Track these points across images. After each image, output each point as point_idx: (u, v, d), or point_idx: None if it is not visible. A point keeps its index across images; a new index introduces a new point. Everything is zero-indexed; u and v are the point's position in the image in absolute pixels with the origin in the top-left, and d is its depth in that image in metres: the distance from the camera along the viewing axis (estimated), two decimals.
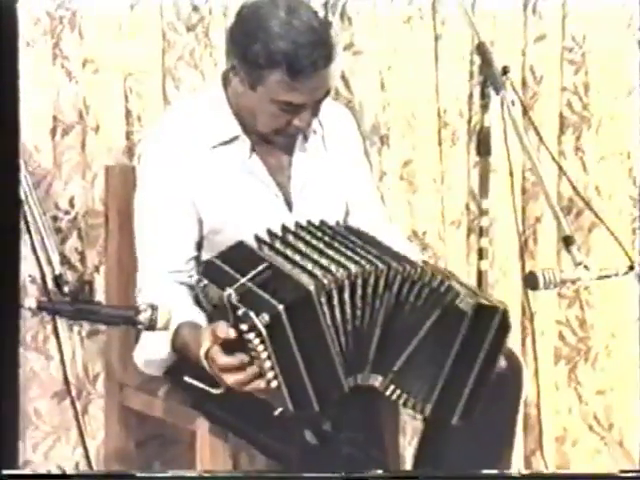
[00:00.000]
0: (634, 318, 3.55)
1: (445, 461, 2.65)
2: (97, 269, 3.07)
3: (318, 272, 2.39)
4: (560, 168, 3.20)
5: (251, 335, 2.32)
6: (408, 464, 2.92)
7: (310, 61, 2.49)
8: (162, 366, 2.65)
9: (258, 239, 2.52)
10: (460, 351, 2.45)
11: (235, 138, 2.68)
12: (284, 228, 2.55)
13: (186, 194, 2.65)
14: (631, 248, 3.02)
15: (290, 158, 2.73)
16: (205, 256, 2.67)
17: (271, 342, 2.32)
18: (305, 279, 2.38)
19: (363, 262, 2.43)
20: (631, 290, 3.47)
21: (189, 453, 2.73)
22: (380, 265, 2.42)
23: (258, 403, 2.45)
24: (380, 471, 2.46)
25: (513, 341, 3.27)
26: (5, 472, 2.15)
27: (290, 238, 2.53)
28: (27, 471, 2.74)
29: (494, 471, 2.56)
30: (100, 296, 2.95)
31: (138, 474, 2.42)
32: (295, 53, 2.48)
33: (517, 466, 3.27)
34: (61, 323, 2.86)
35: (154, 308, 2.31)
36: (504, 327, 2.48)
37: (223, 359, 2.37)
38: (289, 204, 2.72)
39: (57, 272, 2.32)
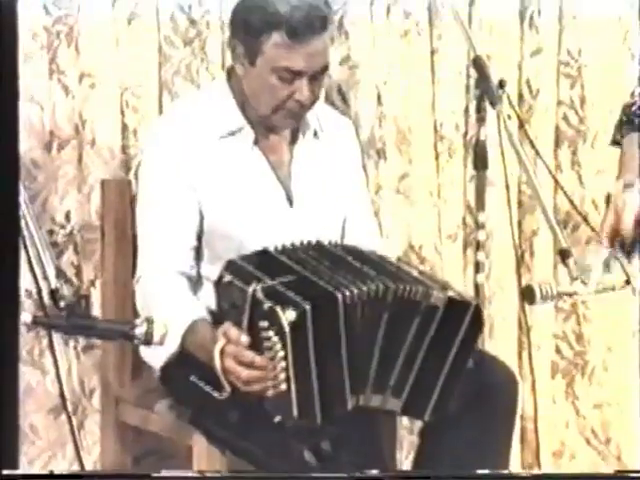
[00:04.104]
0: (631, 332, 3.55)
1: (440, 474, 2.65)
2: (93, 283, 3.07)
3: (338, 285, 2.43)
4: (556, 181, 3.20)
5: (271, 332, 2.36)
6: None
7: (307, 22, 2.57)
8: (162, 358, 2.63)
9: (277, 249, 2.55)
10: (431, 346, 2.48)
11: (239, 130, 2.71)
12: (293, 245, 2.58)
13: (188, 185, 2.68)
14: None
15: (291, 155, 2.77)
16: (207, 250, 2.70)
17: (291, 341, 2.35)
18: (331, 287, 2.41)
19: (368, 282, 2.46)
20: (628, 304, 3.46)
21: (186, 469, 2.72)
22: (381, 286, 2.45)
23: (256, 419, 2.47)
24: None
25: (509, 355, 3.30)
26: (5, 472, 2.13)
27: (300, 253, 2.56)
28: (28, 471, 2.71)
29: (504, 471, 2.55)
30: (96, 310, 2.95)
31: (154, 474, 2.41)
32: (292, 14, 2.56)
33: None
34: (57, 338, 2.83)
35: (150, 322, 2.30)
36: (476, 323, 2.50)
37: (244, 353, 2.40)
38: (290, 199, 2.75)
39: (53, 286, 2.31)
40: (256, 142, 2.73)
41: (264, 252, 2.56)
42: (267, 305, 2.36)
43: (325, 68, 2.67)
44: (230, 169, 2.71)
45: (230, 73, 2.74)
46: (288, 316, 2.34)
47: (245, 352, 2.42)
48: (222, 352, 2.43)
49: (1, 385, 2.09)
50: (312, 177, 2.78)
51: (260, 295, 2.38)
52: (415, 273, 2.57)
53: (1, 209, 2.10)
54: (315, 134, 2.78)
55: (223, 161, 2.71)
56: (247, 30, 2.61)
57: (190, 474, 2.56)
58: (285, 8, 2.56)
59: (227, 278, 2.50)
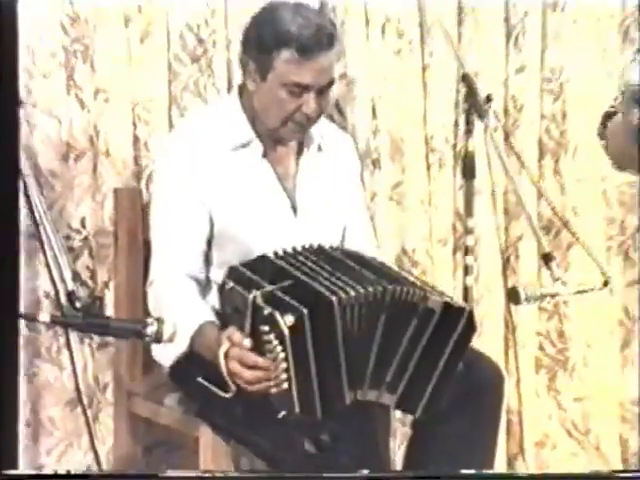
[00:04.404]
0: (609, 330, 3.53)
1: (431, 463, 2.63)
2: (107, 285, 3.04)
3: (335, 288, 2.42)
4: (539, 190, 3.18)
5: (272, 336, 2.35)
6: (398, 465, 2.90)
7: (316, 39, 2.57)
8: (171, 357, 2.62)
9: (277, 254, 2.54)
10: (427, 347, 2.47)
11: (248, 143, 2.70)
12: (295, 249, 2.57)
13: (199, 194, 2.66)
14: (606, 265, 3.01)
15: (297, 169, 2.76)
16: (216, 254, 2.68)
17: (290, 344, 2.34)
18: (326, 292, 2.40)
19: (365, 284, 2.45)
20: (606, 304, 3.46)
21: (193, 458, 2.71)
22: (378, 288, 2.45)
23: (259, 412, 2.45)
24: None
25: (496, 352, 3.28)
26: (5, 472, 2.10)
27: (301, 258, 2.55)
28: (27, 471, 2.69)
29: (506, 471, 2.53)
30: (110, 311, 2.94)
31: (160, 474, 2.39)
32: (302, 32, 2.56)
33: (499, 468, 3.27)
34: (73, 336, 2.86)
35: (160, 322, 2.30)
36: (470, 327, 2.49)
37: (248, 355, 2.39)
38: (294, 208, 2.73)
39: (70, 288, 2.31)
40: (265, 155, 2.72)
41: (264, 258, 2.54)
42: (267, 311, 2.35)
43: (331, 83, 2.66)
44: (240, 179, 2.69)
45: (242, 90, 2.73)
46: (287, 321, 2.33)
47: (248, 354, 2.40)
48: (226, 355, 2.42)
49: (1, 386, 2.07)
50: (315, 188, 2.76)
51: (260, 301, 2.37)
52: (412, 278, 2.56)
53: (1, 209, 2.07)
54: (319, 148, 2.78)
55: (233, 172, 2.69)
56: (259, 47, 2.61)
57: (196, 474, 2.53)
58: (295, 27, 2.57)
59: (229, 285, 2.50)
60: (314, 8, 2.78)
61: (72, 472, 2.47)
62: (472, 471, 2.51)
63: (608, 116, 2.46)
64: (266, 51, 2.59)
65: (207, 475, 2.53)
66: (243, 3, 3.09)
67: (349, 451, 2.48)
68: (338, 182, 2.81)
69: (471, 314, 2.48)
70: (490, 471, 2.54)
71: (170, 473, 2.50)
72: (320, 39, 2.58)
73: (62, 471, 3.02)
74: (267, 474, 2.56)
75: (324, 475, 2.34)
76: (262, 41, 2.60)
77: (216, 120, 2.72)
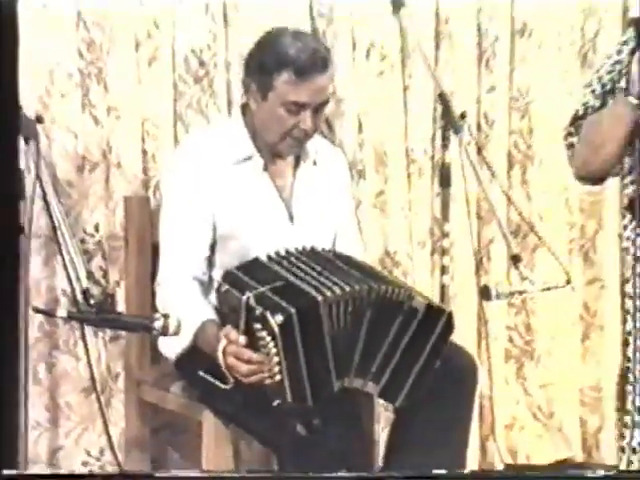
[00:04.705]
0: (571, 323, 3.54)
1: (411, 444, 2.63)
2: (118, 284, 3.04)
3: (322, 288, 2.41)
4: (509, 198, 3.19)
5: (264, 333, 2.34)
6: (381, 447, 2.89)
7: (312, 62, 2.57)
8: (176, 351, 2.62)
9: (269, 257, 2.54)
10: (409, 343, 2.47)
11: (250, 157, 2.69)
12: (287, 251, 2.56)
13: (204, 203, 2.65)
14: (568, 265, 3.01)
15: (293, 181, 2.75)
16: (219, 258, 2.68)
17: (281, 340, 2.33)
18: (313, 292, 2.39)
19: (352, 283, 2.45)
20: (568, 300, 3.46)
21: (196, 440, 2.71)
22: (364, 286, 2.45)
23: (256, 399, 2.44)
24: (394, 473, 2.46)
25: (470, 344, 3.28)
26: (5, 472, 2.03)
27: (293, 259, 2.54)
28: (32, 470, 2.63)
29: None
30: (121, 307, 2.94)
31: (157, 474, 2.36)
32: (300, 56, 2.56)
33: (473, 448, 3.27)
34: (88, 330, 2.83)
35: (166, 317, 2.29)
36: (448, 327, 2.49)
37: (243, 351, 2.39)
38: (291, 217, 2.73)
39: (84, 287, 2.30)
40: (265, 168, 2.71)
41: (257, 261, 2.54)
42: (259, 311, 2.35)
43: (326, 102, 2.66)
44: (241, 190, 2.69)
45: (244, 109, 2.73)
46: (277, 320, 2.32)
47: (243, 350, 2.40)
48: (224, 351, 2.42)
49: (1, 386, 2.02)
50: (310, 198, 2.76)
51: (252, 302, 2.37)
52: (398, 280, 2.58)
53: (1, 211, 2.03)
54: (314, 163, 2.77)
55: (236, 183, 2.68)
56: (261, 69, 2.61)
57: (193, 474, 2.52)
58: (293, 51, 2.57)
59: (224, 287, 2.49)
60: (310, 34, 2.78)
61: (73, 472, 2.39)
62: (467, 470, 2.51)
63: (578, 117, 2.46)
64: (267, 73, 2.59)
65: (207, 475, 2.51)
66: (241, 30, 3.11)
67: (337, 433, 2.47)
68: (330, 193, 2.81)
69: (450, 315, 2.49)
70: (491, 470, 2.52)
71: (170, 473, 2.48)
72: (316, 62, 2.58)
73: (80, 451, 3.03)
74: (267, 474, 2.54)
75: (324, 475, 2.32)
76: (264, 64, 2.60)
77: (221, 137, 2.72)
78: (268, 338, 2.34)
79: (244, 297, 2.38)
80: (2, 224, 2.07)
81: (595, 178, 2.44)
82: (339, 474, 2.32)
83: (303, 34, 2.68)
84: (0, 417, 2.03)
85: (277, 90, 2.59)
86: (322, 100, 2.64)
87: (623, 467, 2.49)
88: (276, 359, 2.35)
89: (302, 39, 2.61)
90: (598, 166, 2.38)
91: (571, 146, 2.45)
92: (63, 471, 2.54)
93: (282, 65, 2.57)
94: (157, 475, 2.33)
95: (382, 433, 2.87)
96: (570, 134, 2.44)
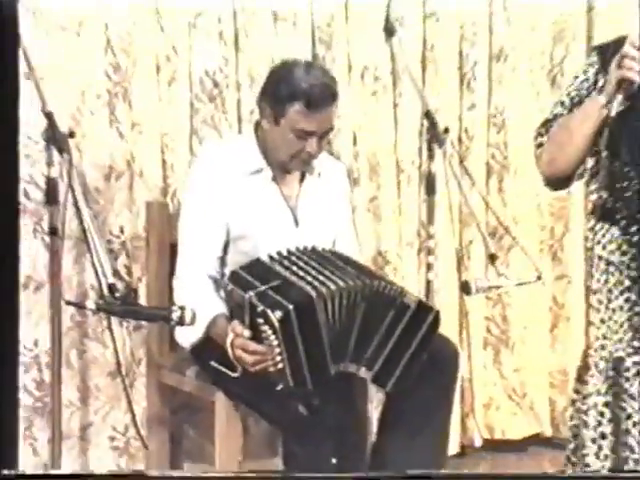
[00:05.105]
0: (542, 314, 3.51)
1: (401, 421, 2.61)
2: (140, 280, 3.01)
3: (317, 284, 2.40)
4: (487, 204, 3.18)
5: (266, 327, 2.34)
6: (374, 424, 2.87)
7: (322, 96, 2.55)
8: (190, 341, 2.61)
9: (271, 257, 2.52)
10: (400, 336, 2.45)
11: (261, 170, 2.66)
12: (289, 251, 2.54)
13: (219, 209, 2.63)
14: (538, 263, 3.00)
15: (299, 190, 2.72)
16: (231, 257, 2.65)
17: (281, 333, 2.33)
18: (309, 289, 2.38)
19: (347, 279, 2.44)
20: (539, 294, 3.44)
21: (210, 418, 2.69)
22: (358, 282, 2.44)
23: (262, 383, 2.43)
24: (391, 473, 2.44)
25: (452, 333, 3.26)
26: (5, 472, 1.95)
27: (294, 258, 2.53)
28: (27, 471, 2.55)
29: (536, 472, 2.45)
30: (142, 300, 2.92)
31: (150, 473, 2.31)
32: (311, 90, 2.54)
33: (455, 424, 3.25)
34: (114, 320, 2.80)
35: (183, 309, 2.29)
36: (436, 323, 2.49)
37: (248, 344, 2.38)
38: (296, 221, 2.71)
39: (110, 282, 2.29)
40: (274, 179, 2.68)
41: (259, 261, 2.52)
42: (260, 308, 2.34)
43: (331, 129, 2.64)
44: (252, 198, 2.66)
45: (257, 126, 2.70)
46: (276, 316, 2.32)
47: (248, 343, 2.39)
48: (232, 344, 2.41)
49: (1, 386, 1.95)
50: (313, 206, 2.73)
51: (254, 300, 2.36)
52: (392, 281, 2.57)
53: (1, 212, 1.97)
54: (319, 175, 2.75)
55: (248, 192, 2.66)
56: (276, 99, 2.58)
57: (186, 474, 2.48)
58: (305, 84, 2.54)
59: (230, 287, 2.48)
60: (321, 67, 2.76)
61: (72, 472, 2.34)
62: (465, 471, 2.48)
63: (548, 121, 2.44)
64: (281, 102, 2.57)
65: (207, 475, 2.49)
66: (250, 54, 3.09)
67: (334, 412, 2.46)
68: (331, 201, 2.78)
69: (438, 313, 2.48)
70: (490, 472, 2.49)
71: (165, 473, 2.44)
72: (325, 96, 2.56)
73: (107, 427, 3.01)
74: (267, 474, 2.52)
75: (324, 475, 2.30)
76: (278, 93, 2.57)
77: (236, 151, 2.69)
78: (270, 331, 2.34)
79: (247, 295, 2.37)
80: (2, 224, 1.99)
81: (560, 178, 2.40)
82: (339, 474, 2.29)
83: (315, 67, 2.67)
84: (0, 417, 1.95)
85: (289, 118, 2.56)
86: (328, 128, 2.62)
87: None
88: (278, 350, 2.35)
89: (314, 73, 2.59)
90: (563, 164, 2.34)
91: (540, 145, 2.42)
92: (64, 471, 2.47)
93: (295, 97, 2.54)
94: (149, 475, 2.28)
95: (375, 411, 2.84)
96: (540, 134, 2.41)
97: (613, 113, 2.19)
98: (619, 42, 2.30)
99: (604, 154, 2.21)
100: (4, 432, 1.95)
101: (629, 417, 2.30)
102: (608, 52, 2.33)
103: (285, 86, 2.56)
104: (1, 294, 1.96)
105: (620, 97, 2.18)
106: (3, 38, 1.95)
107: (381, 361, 2.46)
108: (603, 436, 2.33)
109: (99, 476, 2.31)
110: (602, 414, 2.33)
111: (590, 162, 2.38)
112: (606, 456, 2.32)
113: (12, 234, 1.99)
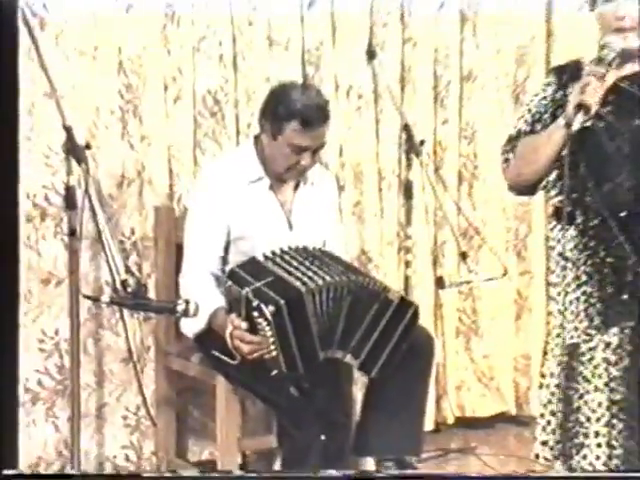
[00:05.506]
0: (507, 307, 3.48)
1: (383, 402, 2.58)
2: (149, 276, 2.97)
3: (307, 280, 2.39)
4: (458, 208, 3.16)
5: (261, 320, 2.33)
6: (358, 405, 2.84)
7: (316, 115, 2.53)
8: (193, 331, 2.58)
9: (266, 256, 2.50)
10: (384, 327, 2.44)
11: (259, 179, 2.64)
12: (282, 250, 2.52)
13: (221, 213, 2.60)
14: (505, 260, 2.99)
15: (293, 197, 2.69)
16: (231, 257, 2.63)
17: (274, 325, 2.32)
18: (299, 284, 2.37)
19: (334, 275, 2.43)
20: (505, 288, 3.42)
21: (211, 400, 2.66)
22: (344, 278, 2.43)
23: (258, 369, 2.41)
24: (390, 472, 2.41)
25: (428, 323, 3.24)
26: (5, 472, 1.87)
27: (286, 257, 2.51)
28: (38, 470, 2.49)
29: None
30: (151, 294, 2.88)
31: (145, 474, 2.25)
32: (307, 110, 2.52)
33: (430, 404, 3.22)
34: (126, 312, 2.81)
35: (187, 302, 2.27)
36: (415, 317, 2.48)
37: (245, 335, 2.37)
38: (290, 225, 2.68)
39: (123, 278, 2.25)
40: (271, 187, 2.66)
41: (254, 260, 2.51)
42: (255, 303, 2.34)
43: (323, 144, 2.62)
44: (251, 204, 2.64)
45: (256, 140, 2.67)
46: (269, 310, 2.32)
47: (245, 334, 2.38)
48: (231, 335, 2.40)
49: (1, 386, 1.89)
50: (306, 211, 2.70)
51: (250, 295, 2.35)
52: (376, 278, 2.55)
53: (2, 213, 1.91)
54: (312, 184, 2.72)
55: (247, 199, 2.63)
56: (274, 116, 2.56)
57: (184, 474, 2.44)
58: (301, 105, 2.52)
59: (228, 283, 2.46)
60: (316, 88, 2.74)
61: (73, 472, 2.31)
62: (464, 472, 2.45)
63: (512, 139, 2.42)
64: (279, 120, 2.55)
65: (207, 475, 2.45)
66: (248, 75, 3.06)
67: (323, 394, 2.44)
68: (322, 207, 2.75)
69: (417, 308, 2.48)
70: (491, 473, 2.46)
71: (162, 473, 2.40)
72: (319, 116, 2.54)
73: (120, 407, 2.97)
74: (267, 474, 2.49)
75: (323, 475, 2.25)
76: (277, 114, 2.55)
77: (237, 162, 2.67)
78: (264, 324, 2.33)
79: (243, 291, 2.36)
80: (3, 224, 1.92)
81: (525, 187, 2.41)
82: (339, 474, 2.25)
83: (310, 89, 2.65)
84: (0, 417, 1.87)
85: (285, 134, 2.55)
86: (320, 143, 2.60)
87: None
88: (271, 340, 2.34)
89: (309, 95, 2.57)
90: (530, 177, 2.36)
91: (507, 161, 2.41)
92: (67, 471, 2.41)
93: (291, 116, 2.52)
94: (145, 475, 2.22)
95: (359, 393, 2.82)
96: (506, 151, 2.41)
97: (573, 131, 2.19)
98: (573, 64, 2.35)
99: (565, 167, 2.21)
100: (4, 432, 1.88)
101: (581, 397, 2.30)
102: (564, 73, 2.36)
103: (283, 107, 2.54)
104: (2, 299, 1.89)
105: (580, 118, 2.19)
106: (3, 38, 1.88)
107: (366, 351, 2.45)
108: (553, 413, 2.35)
109: (98, 476, 2.26)
110: (553, 394, 2.35)
111: (552, 174, 2.37)
112: (553, 430, 2.34)
113: (13, 235, 1.94)
